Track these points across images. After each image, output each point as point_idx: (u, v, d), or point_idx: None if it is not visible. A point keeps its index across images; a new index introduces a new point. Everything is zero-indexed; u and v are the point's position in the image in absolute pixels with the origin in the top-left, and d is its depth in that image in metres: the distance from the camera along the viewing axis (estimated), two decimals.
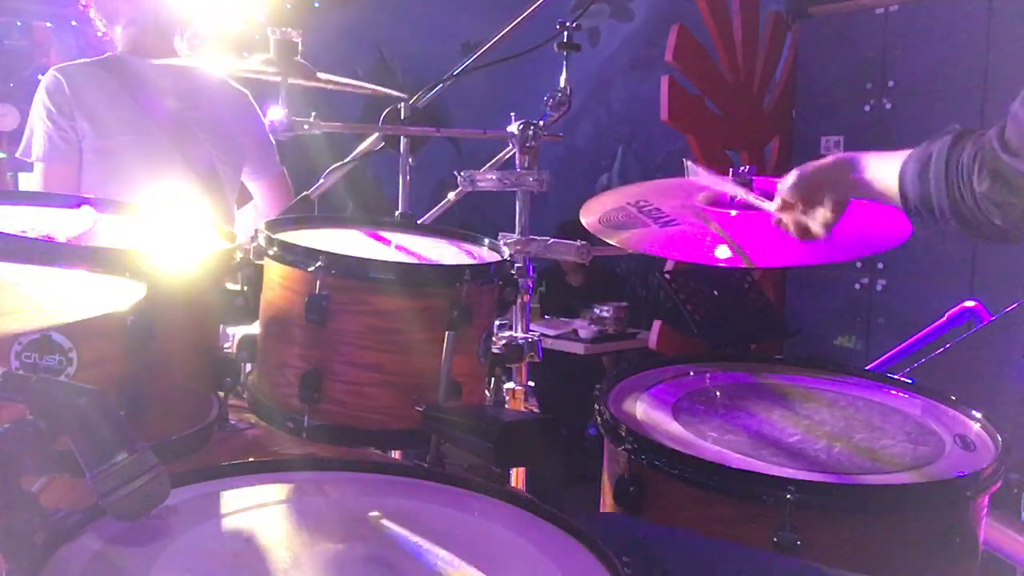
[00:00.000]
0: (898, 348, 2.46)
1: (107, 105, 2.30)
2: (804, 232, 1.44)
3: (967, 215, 1.16)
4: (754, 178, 1.72)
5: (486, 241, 1.56)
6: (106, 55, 2.45)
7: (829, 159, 1.40)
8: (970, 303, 2.46)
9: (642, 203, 1.77)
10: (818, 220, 1.41)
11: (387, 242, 1.54)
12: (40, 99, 2.28)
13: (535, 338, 1.71)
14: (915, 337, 2.46)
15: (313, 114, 1.76)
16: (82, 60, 2.40)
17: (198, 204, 2.31)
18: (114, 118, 2.30)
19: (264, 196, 2.64)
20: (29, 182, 2.33)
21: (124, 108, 2.31)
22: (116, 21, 2.42)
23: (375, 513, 1.05)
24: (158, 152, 2.32)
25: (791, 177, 1.43)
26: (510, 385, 1.71)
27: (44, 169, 2.29)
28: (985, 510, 1.37)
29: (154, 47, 2.38)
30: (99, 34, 2.50)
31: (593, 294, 5.32)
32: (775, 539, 1.23)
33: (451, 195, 1.91)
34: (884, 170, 1.27)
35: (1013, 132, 1.08)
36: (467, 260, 1.47)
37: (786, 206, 1.45)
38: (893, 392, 1.69)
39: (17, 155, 2.35)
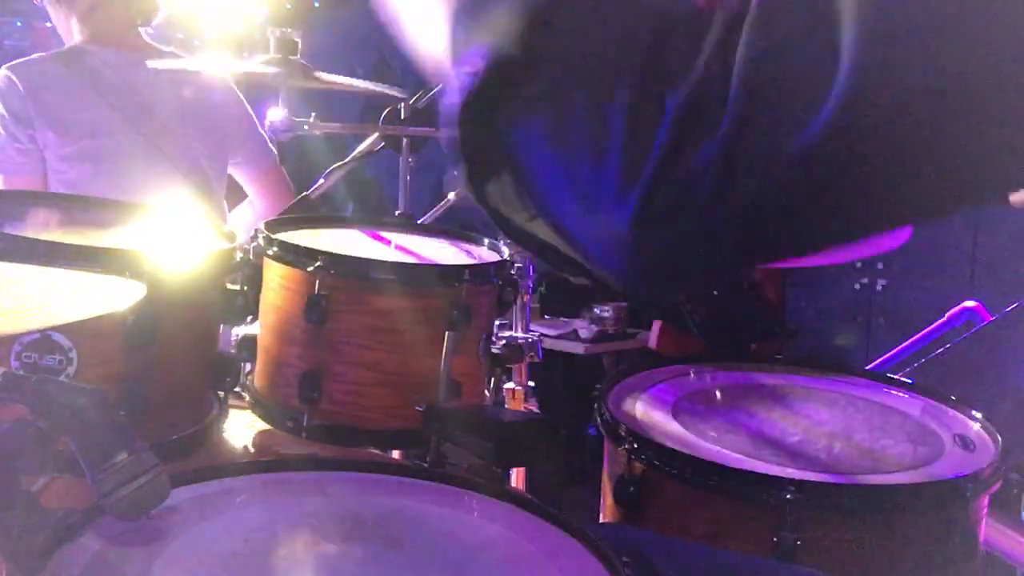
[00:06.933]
0: (898, 348, 2.46)
1: (71, 107, 2.05)
2: None
3: None
4: None
5: (486, 241, 1.56)
6: (65, 47, 2.16)
7: None
8: (970, 303, 2.46)
9: None
10: None
11: (387, 242, 1.54)
12: None
13: (535, 338, 1.71)
14: (915, 337, 2.46)
15: (313, 114, 1.76)
16: (38, 55, 2.13)
17: (185, 202, 2.11)
18: (79, 120, 2.05)
19: (257, 190, 2.38)
20: None
21: (90, 107, 2.06)
22: (76, 8, 2.14)
23: (375, 513, 1.05)
24: (134, 152, 2.09)
25: None
26: (510, 385, 1.72)
27: (3, 182, 2.03)
28: (985, 510, 1.36)
29: (120, 36, 2.14)
30: (47, 25, 2.29)
31: (597, 291, 5.31)
32: (775, 539, 1.22)
33: (451, 195, 1.91)
34: None
35: None
36: (467, 260, 1.48)
37: None
38: (893, 392, 1.68)
39: None
